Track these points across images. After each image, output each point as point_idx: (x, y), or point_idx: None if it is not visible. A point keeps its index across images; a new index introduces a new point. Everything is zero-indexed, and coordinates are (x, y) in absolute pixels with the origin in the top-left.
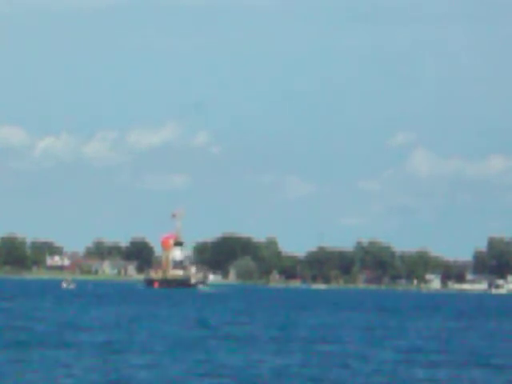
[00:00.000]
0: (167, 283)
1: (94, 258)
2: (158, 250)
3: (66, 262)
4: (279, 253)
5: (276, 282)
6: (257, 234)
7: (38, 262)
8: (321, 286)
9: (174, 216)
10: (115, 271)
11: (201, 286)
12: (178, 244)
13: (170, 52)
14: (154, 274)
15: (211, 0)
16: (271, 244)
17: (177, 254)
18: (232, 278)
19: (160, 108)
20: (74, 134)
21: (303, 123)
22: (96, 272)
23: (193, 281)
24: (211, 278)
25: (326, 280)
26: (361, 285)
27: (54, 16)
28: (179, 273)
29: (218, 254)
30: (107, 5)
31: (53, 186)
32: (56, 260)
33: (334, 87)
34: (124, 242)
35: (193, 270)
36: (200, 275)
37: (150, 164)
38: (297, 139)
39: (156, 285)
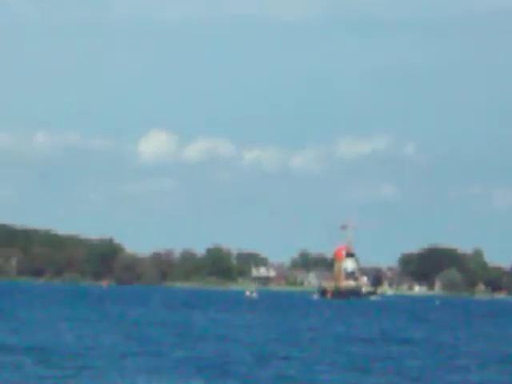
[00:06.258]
0: (339, 293)
1: (300, 269)
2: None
3: (272, 273)
4: (485, 264)
5: (482, 293)
6: (463, 245)
7: (244, 273)
8: None
9: (343, 228)
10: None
11: (372, 297)
12: (350, 255)
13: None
14: (327, 285)
15: None
16: (477, 255)
17: (349, 264)
18: (437, 289)
19: (368, 117)
20: (281, 146)
21: None
22: (301, 283)
23: (364, 291)
24: (417, 289)
25: None
26: None
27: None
28: (351, 283)
29: (424, 265)
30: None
31: (258, 198)
32: (262, 271)
33: None
34: (329, 254)
35: (364, 280)
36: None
37: (357, 174)
38: (503, 152)
39: (329, 295)
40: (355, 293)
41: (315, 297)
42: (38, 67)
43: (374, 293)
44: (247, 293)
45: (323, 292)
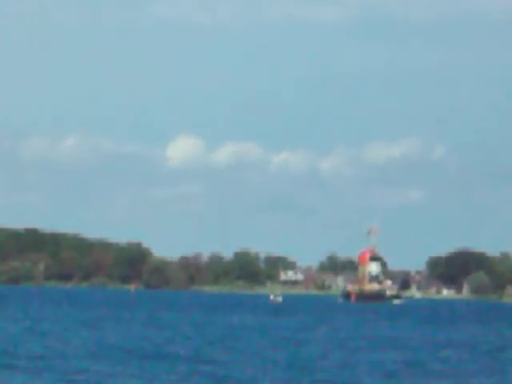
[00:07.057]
0: (363, 297)
1: (328, 273)
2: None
3: (300, 277)
4: None
5: (510, 296)
6: (491, 248)
7: (272, 276)
8: None
9: (369, 232)
10: None
11: (395, 300)
12: (374, 259)
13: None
14: (351, 288)
15: None
16: (505, 258)
17: (373, 268)
18: (466, 292)
19: (400, 122)
20: (309, 149)
21: None
22: (329, 287)
23: (388, 294)
24: (445, 292)
25: None
26: None
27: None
28: (375, 287)
29: (452, 268)
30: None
31: (286, 201)
32: (290, 275)
33: None
34: (357, 257)
35: (388, 283)
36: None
37: (386, 177)
38: None
39: (353, 298)
40: (379, 296)
41: (340, 300)
42: (67, 72)
43: (398, 296)
44: (271, 297)
45: (347, 295)
